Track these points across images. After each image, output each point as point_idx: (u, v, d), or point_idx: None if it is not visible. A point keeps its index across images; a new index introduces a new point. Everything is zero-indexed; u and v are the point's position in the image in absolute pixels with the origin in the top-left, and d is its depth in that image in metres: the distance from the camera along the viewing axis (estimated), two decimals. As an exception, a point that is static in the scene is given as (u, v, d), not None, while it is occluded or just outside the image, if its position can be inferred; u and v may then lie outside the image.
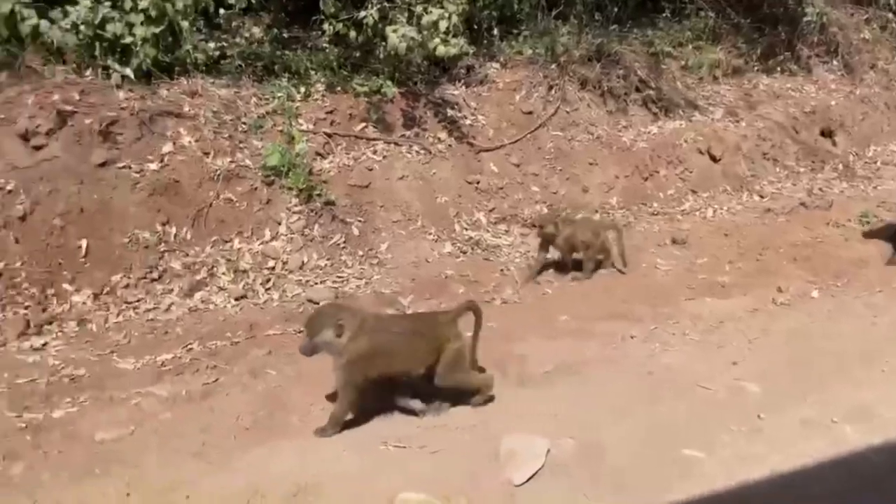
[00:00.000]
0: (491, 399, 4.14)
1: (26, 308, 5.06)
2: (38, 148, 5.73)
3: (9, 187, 5.46)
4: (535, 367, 4.63)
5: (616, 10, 9.46)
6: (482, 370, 4.28)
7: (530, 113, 8.14)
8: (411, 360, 3.86)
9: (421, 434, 3.83)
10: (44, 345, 4.83)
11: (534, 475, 3.46)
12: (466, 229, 6.93)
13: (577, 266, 6.29)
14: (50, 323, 5.02)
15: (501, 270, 6.29)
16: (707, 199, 8.04)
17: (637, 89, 8.76)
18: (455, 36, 7.00)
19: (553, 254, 6.30)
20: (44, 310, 5.09)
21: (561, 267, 6.32)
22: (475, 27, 8.53)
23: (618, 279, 6.22)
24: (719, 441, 3.76)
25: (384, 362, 3.79)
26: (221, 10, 7.02)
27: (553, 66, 8.51)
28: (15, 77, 6.04)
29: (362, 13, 7.12)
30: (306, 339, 3.80)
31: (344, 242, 6.38)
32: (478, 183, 7.34)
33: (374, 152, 7.11)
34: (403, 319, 4.23)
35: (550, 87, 8.36)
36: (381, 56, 7.51)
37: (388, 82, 7.24)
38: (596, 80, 8.60)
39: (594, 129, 8.32)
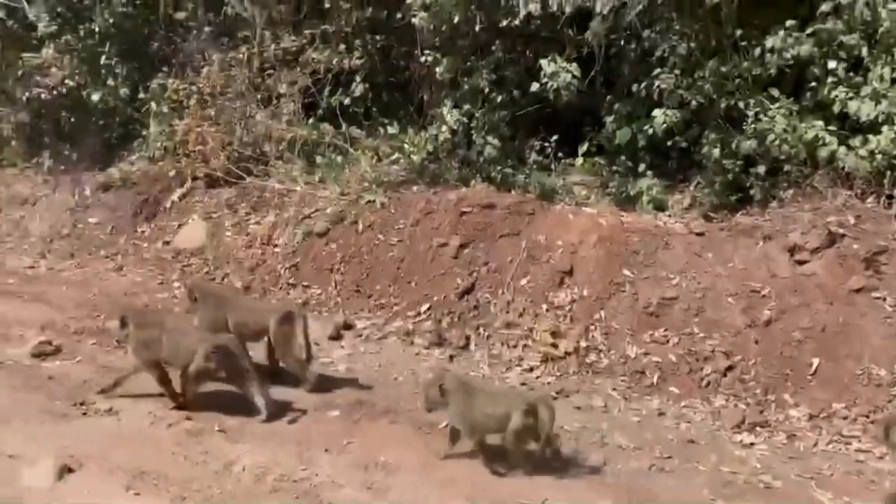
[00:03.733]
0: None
1: (746, 405, 5.41)
2: (800, 263, 6.03)
3: (763, 292, 5.95)
4: None
5: None
6: None
7: None
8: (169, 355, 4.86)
9: None
10: (751, 444, 5.05)
11: None
12: None
13: None
14: (763, 426, 5.21)
15: None
16: None
17: None
18: None
19: None
20: (761, 412, 5.34)
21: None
22: None
23: None
24: None
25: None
26: None
27: None
28: (799, 195, 6.53)
29: None
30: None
31: None
32: None
33: None
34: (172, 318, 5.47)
35: None
36: None
37: None
38: None
39: None
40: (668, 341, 5.94)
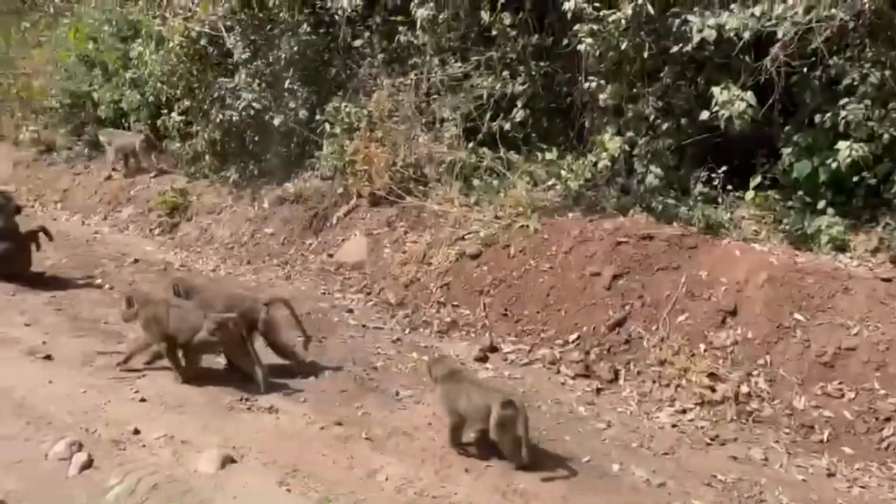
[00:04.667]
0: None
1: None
2: None
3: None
4: None
5: None
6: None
7: None
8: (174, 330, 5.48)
9: None
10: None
11: None
12: None
13: None
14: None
15: None
16: None
17: None
18: None
19: None
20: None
21: None
22: None
23: None
24: None
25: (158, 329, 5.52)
26: None
27: None
28: None
29: None
30: None
31: None
32: None
33: None
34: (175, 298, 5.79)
35: None
36: None
37: None
38: None
39: None
40: (842, 395, 5.39)
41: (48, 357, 5.84)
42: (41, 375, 5.48)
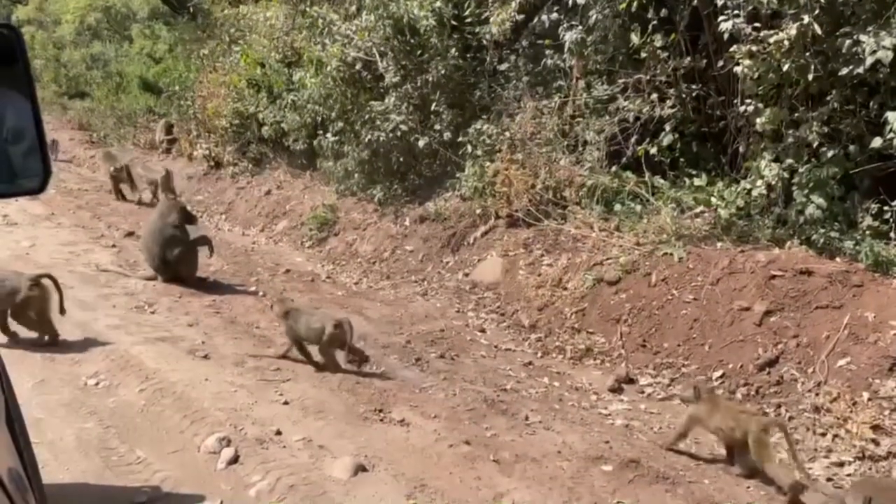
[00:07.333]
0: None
1: None
2: None
3: None
4: None
5: None
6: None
7: None
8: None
9: None
10: None
11: None
12: None
13: None
14: None
15: None
16: None
17: None
18: None
19: None
20: None
21: None
22: None
23: None
24: None
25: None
26: None
27: None
28: None
29: None
30: None
31: None
32: None
33: None
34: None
35: None
36: None
37: None
38: None
39: None
40: None
41: (206, 356, 6.33)
42: (199, 373, 5.94)
